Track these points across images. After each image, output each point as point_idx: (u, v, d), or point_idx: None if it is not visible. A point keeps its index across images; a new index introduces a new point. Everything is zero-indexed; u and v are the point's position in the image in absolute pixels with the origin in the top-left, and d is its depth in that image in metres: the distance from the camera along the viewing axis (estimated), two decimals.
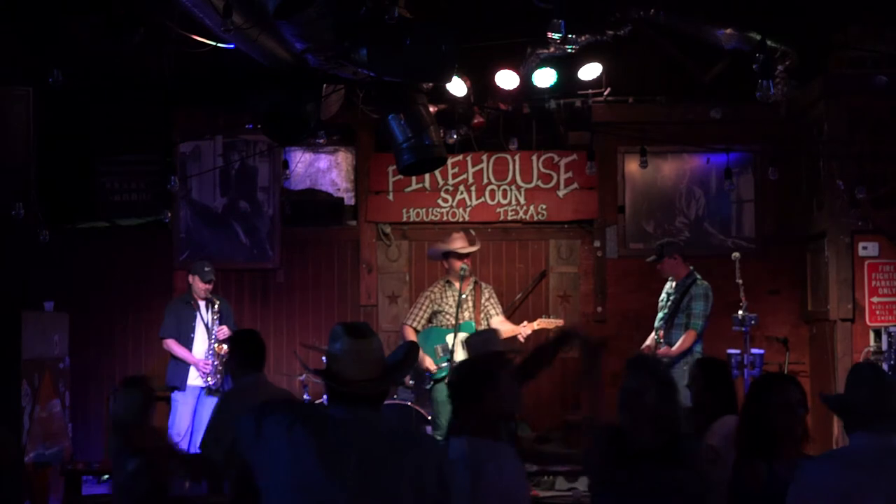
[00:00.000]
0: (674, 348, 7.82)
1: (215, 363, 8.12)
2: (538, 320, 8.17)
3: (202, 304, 8.25)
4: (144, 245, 9.38)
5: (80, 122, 9.12)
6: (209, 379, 8.09)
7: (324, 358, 8.60)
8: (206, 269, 8.22)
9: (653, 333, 8.10)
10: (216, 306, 8.23)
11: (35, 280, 8.49)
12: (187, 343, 8.16)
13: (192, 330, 8.19)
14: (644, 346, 8.09)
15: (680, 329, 7.88)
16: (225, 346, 8.16)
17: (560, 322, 8.32)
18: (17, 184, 7.90)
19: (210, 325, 8.18)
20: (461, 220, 9.41)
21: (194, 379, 8.12)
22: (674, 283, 8.10)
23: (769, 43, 7.44)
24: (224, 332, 8.17)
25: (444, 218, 9.42)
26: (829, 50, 8.42)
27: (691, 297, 7.90)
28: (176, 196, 9.10)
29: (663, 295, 8.19)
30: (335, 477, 3.02)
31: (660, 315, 8.11)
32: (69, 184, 9.24)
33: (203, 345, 8.18)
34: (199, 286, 8.21)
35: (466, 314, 8.12)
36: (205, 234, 9.39)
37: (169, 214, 8.97)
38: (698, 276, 8.00)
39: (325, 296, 9.49)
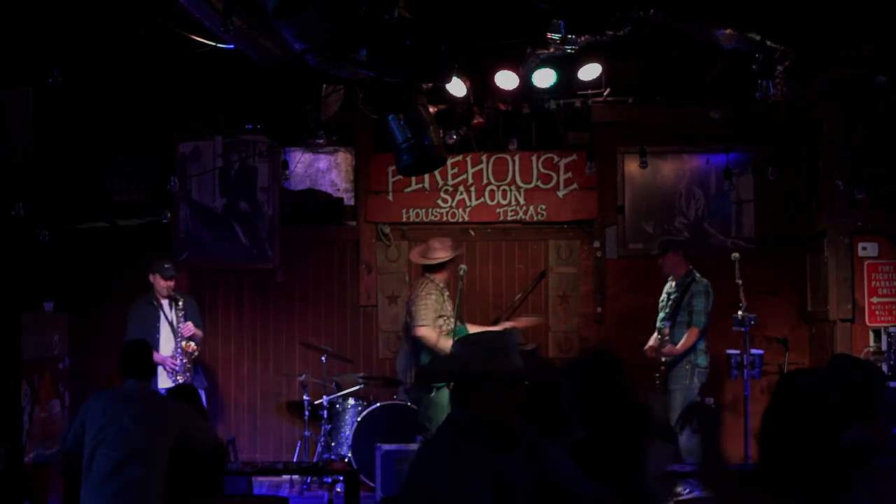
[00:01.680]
0: (678, 346, 7.83)
1: (183, 360, 8.09)
2: (519, 319, 8.12)
3: (165, 302, 8.19)
4: (144, 245, 9.37)
5: (80, 122, 9.12)
6: (178, 377, 8.02)
7: (323, 358, 8.68)
8: (167, 266, 8.18)
9: (655, 334, 8.10)
10: (180, 304, 8.17)
11: (35, 280, 8.48)
12: (153, 343, 7.92)
13: (157, 330, 8.11)
14: (647, 346, 8.09)
15: (682, 327, 7.90)
16: (193, 344, 8.14)
17: (536, 320, 8.25)
18: (17, 184, 7.89)
19: (175, 323, 8.13)
20: (461, 220, 9.41)
21: (164, 381, 8.01)
22: (673, 283, 8.12)
23: (769, 43, 7.44)
24: (189, 328, 8.12)
25: (444, 218, 9.42)
26: (829, 50, 8.41)
27: (692, 294, 7.93)
28: (176, 196, 9.10)
29: (663, 296, 8.20)
30: None
31: (661, 315, 8.12)
32: (69, 184, 9.24)
33: (169, 343, 8.13)
34: (161, 284, 8.16)
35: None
36: (204, 234, 9.39)
37: (169, 215, 8.95)
38: (697, 274, 8.02)
39: (325, 296, 9.49)
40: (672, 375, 7.90)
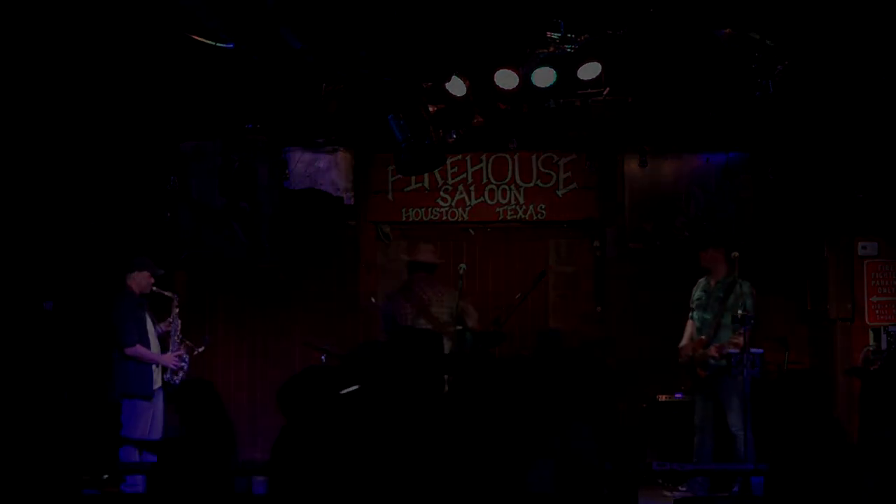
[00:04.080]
0: (734, 348, 7.61)
1: (187, 357, 8.00)
2: None
3: (145, 302, 8.06)
4: (145, 245, 9.36)
5: (80, 121, 9.11)
6: (177, 376, 7.90)
7: (323, 358, 8.68)
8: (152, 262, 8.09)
9: (689, 332, 8.00)
10: (176, 300, 8.09)
11: (35, 280, 8.48)
12: (147, 343, 7.87)
13: (147, 331, 7.94)
14: (683, 345, 7.97)
15: (727, 329, 7.74)
16: (188, 341, 8.06)
17: None
18: (18, 184, 7.91)
19: (173, 319, 8.05)
20: (460, 219, 9.42)
21: (157, 382, 7.90)
22: (712, 282, 7.97)
23: (768, 42, 7.45)
24: (178, 324, 8.07)
25: (444, 217, 9.43)
26: (827, 49, 8.41)
27: (737, 295, 7.75)
28: (176, 196, 9.10)
29: (699, 293, 8.03)
30: None
31: (700, 314, 7.99)
32: (69, 183, 9.23)
33: (156, 342, 7.98)
34: (150, 281, 8.00)
35: None
36: (204, 233, 9.39)
37: (169, 214, 8.96)
38: (738, 276, 7.90)
39: (325, 296, 9.49)
40: (726, 383, 7.62)
